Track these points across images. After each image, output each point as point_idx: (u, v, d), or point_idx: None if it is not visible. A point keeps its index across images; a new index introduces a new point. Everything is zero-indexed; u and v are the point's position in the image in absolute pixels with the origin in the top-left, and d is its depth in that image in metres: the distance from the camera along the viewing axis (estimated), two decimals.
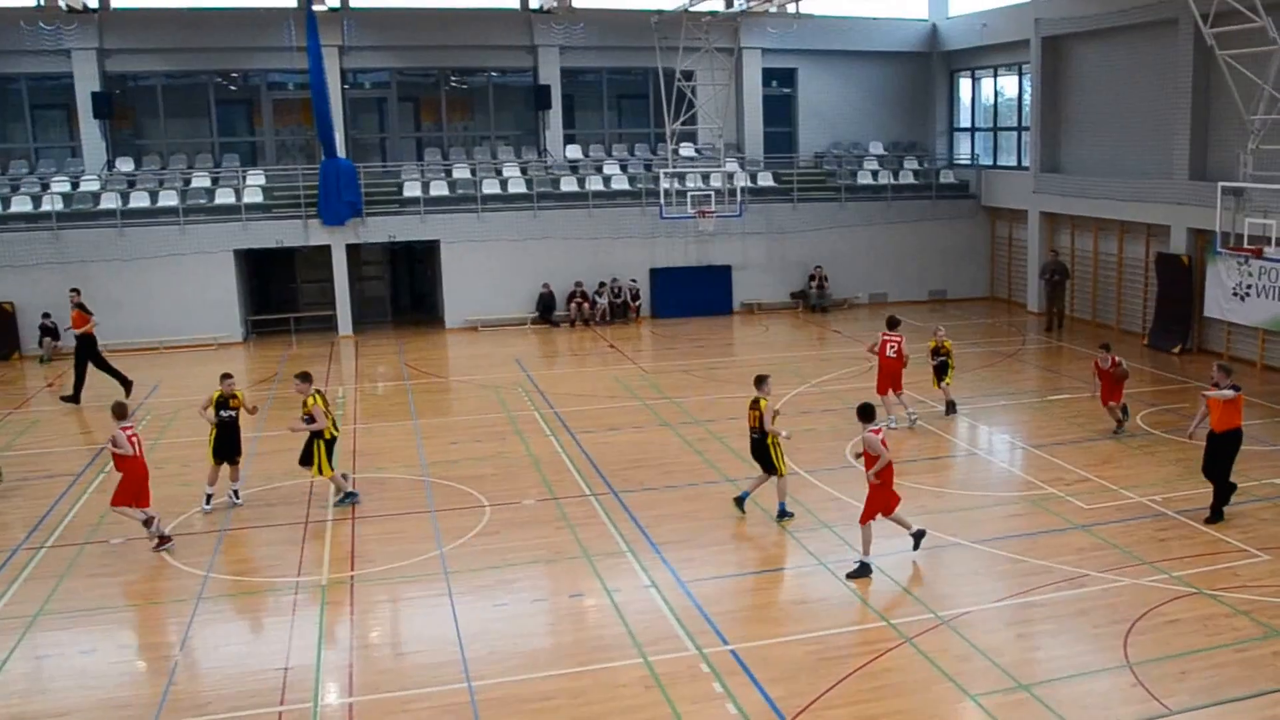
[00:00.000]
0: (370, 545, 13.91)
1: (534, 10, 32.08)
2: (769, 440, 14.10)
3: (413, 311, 32.78)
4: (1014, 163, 32.61)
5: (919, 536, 12.99)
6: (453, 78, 33.13)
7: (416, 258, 33.07)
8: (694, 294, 30.90)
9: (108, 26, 29.62)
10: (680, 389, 22.16)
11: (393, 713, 9.84)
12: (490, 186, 30.44)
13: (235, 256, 28.56)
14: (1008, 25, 30.79)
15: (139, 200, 28.64)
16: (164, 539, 13.92)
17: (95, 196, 28.58)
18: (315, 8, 27.96)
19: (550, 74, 32.09)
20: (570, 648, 11.07)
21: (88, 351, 22.50)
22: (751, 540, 13.95)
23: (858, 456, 13.26)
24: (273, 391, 23.32)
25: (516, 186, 30.63)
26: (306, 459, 15.31)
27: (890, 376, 18.65)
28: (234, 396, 15.35)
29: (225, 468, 15.49)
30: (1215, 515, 13.92)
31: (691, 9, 28.88)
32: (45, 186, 28.90)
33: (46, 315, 27.10)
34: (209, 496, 15.35)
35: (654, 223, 30.15)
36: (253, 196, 29.14)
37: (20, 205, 28.18)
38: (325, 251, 29.17)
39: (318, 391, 15.33)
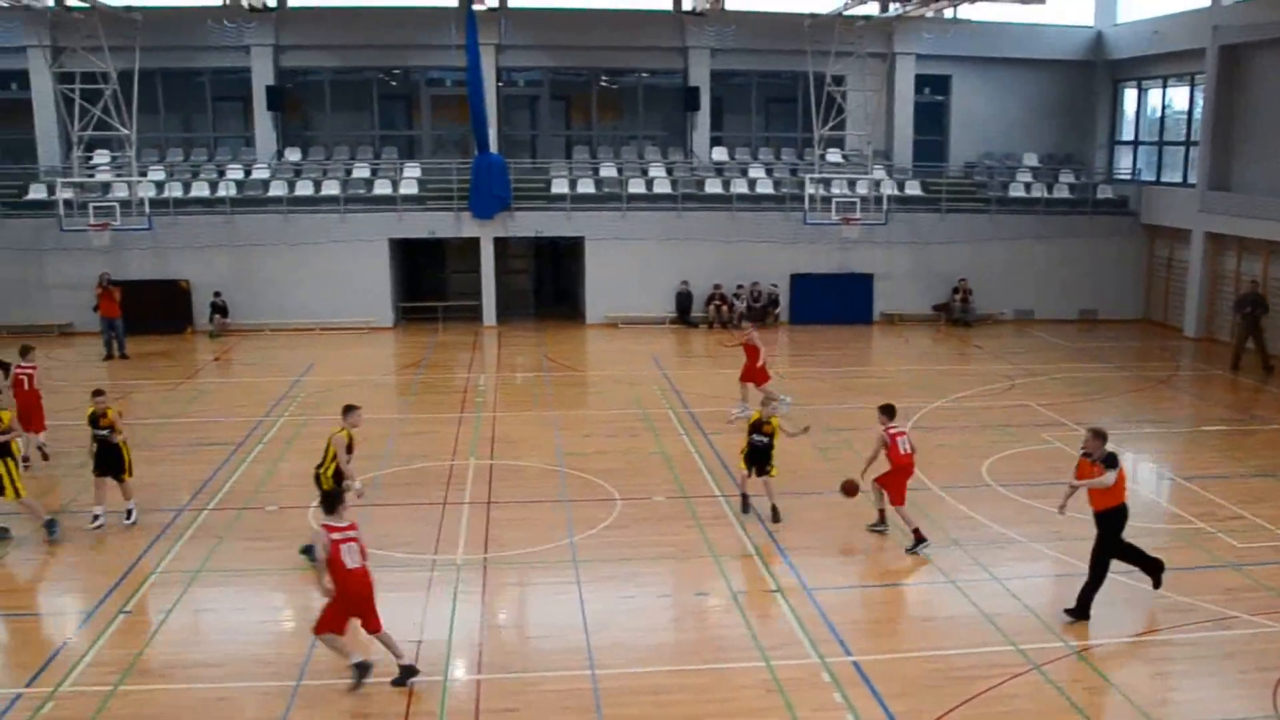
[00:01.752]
0: (504, 530, 14.36)
1: (686, 12, 32.35)
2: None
3: (554, 306, 33.45)
4: (1179, 179, 31.39)
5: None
6: (603, 78, 33.66)
7: (561, 253, 33.71)
8: (834, 301, 30.74)
9: (283, 24, 31.11)
10: (815, 396, 22.14)
11: (518, 693, 10.19)
12: (636, 186, 30.86)
13: (390, 245, 29.68)
14: (1182, 33, 29.51)
15: (304, 188, 30.04)
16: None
17: (265, 184, 30.12)
18: (475, 7, 28.83)
19: (700, 76, 32.32)
20: (693, 645, 11.29)
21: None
22: (880, 552, 13.90)
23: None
24: (419, 375, 24.20)
25: (662, 187, 30.99)
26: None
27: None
28: (104, 415, 14.44)
29: (115, 484, 14.68)
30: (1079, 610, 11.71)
31: (846, 13, 28.75)
32: (221, 173, 30.62)
33: (217, 294, 28.75)
34: (95, 515, 14.42)
35: (796, 228, 30.08)
36: (409, 188, 30.23)
37: (199, 190, 29.94)
38: (474, 243, 30.07)
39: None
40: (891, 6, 29.60)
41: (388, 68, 32.87)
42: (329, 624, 10.28)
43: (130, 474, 14.71)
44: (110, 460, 14.53)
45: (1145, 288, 32.12)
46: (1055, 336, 29.08)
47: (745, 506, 15.06)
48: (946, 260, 31.20)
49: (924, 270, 31.24)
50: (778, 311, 30.62)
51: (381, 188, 30.33)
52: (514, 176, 30.03)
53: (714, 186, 31.26)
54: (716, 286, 30.31)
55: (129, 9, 27.12)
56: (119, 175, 29.07)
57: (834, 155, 32.20)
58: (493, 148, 29.90)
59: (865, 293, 31.11)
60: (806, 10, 29.92)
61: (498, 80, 31.68)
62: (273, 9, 30.91)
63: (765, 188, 31.46)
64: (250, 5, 29.38)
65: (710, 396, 21.96)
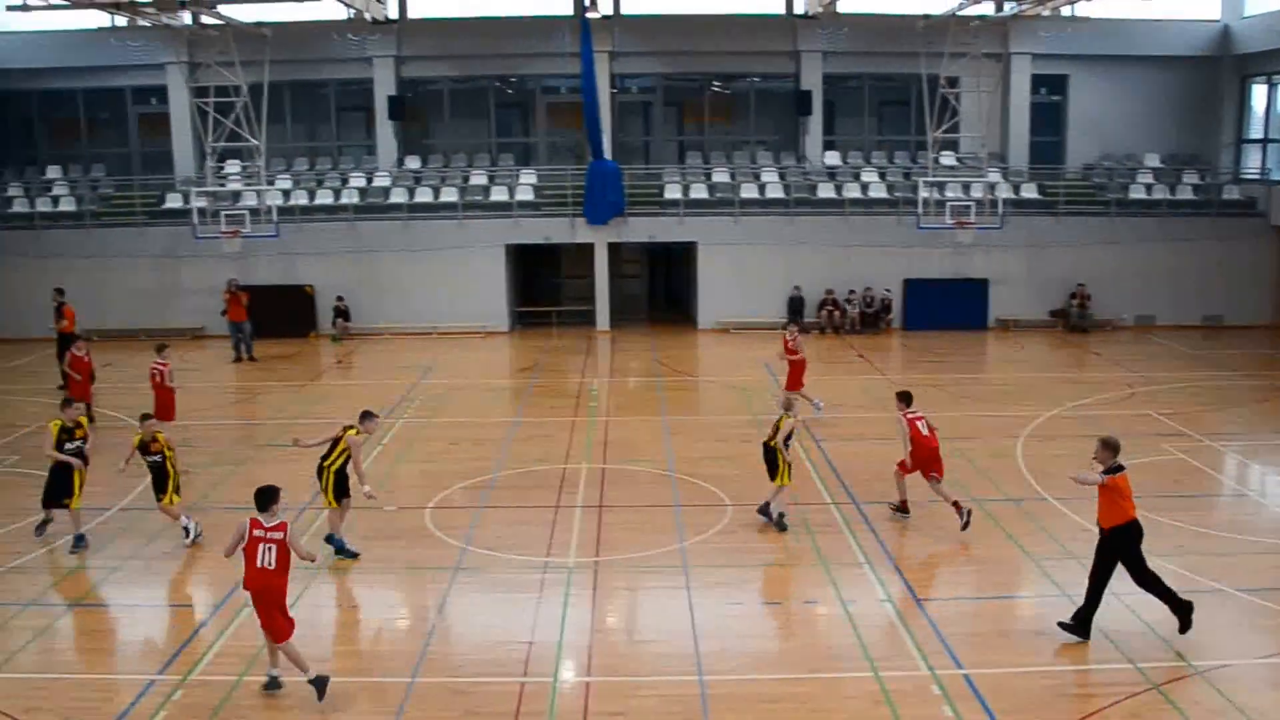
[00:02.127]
0: (615, 534, 14.57)
1: (798, 16, 32.26)
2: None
3: (667, 311, 33.68)
4: None
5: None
6: (715, 83, 33.77)
7: (673, 258, 33.93)
8: (948, 307, 30.33)
9: (404, 36, 31.99)
10: (928, 404, 21.71)
11: (626, 696, 10.35)
12: (748, 191, 30.91)
13: (506, 250, 30.25)
14: None
15: (423, 196, 30.84)
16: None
17: (386, 191, 31.00)
18: (589, 15, 29.26)
19: (812, 79, 32.19)
20: (800, 653, 11.32)
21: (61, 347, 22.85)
22: (993, 563, 13.70)
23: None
24: (534, 379, 24.66)
25: (774, 192, 30.99)
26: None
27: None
28: (154, 440, 14.27)
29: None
30: (1078, 624, 11.39)
31: (960, 13, 28.34)
32: (345, 181, 31.61)
33: (340, 298, 29.68)
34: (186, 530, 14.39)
35: (910, 232, 29.70)
36: (524, 195, 30.78)
37: (323, 198, 30.99)
38: (588, 249, 30.50)
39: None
40: (1007, 6, 29.09)
41: (504, 76, 33.51)
42: (275, 634, 10.44)
43: (176, 496, 14.46)
44: (156, 482, 14.41)
45: (1275, 291, 30.96)
46: (1178, 342, 28.25)
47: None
48: (1063, 264, 30.48)
49: (1040, 275, 30.59)
50: (890, 318, 30.35)
51: (498, 194, 30.94)
52: (627, 182, 30.38)
53: (826, 191, 31.12)
54: (829, 292, 30.17)
55: (259, 25, 28.23)
56: (249, 184, 30.21)
57: (948, 158, 31.75)
58: (607, 154, 30.28)
59: (980, 298, 30.63)
60: (920, 11, 29.54)
61: (611, 87, 32.02)
62: (394, 21, 31.80)
63: (878, 192, 31.22)
64: (373, 18, 30.25)
65: (825, 403, 21.86)
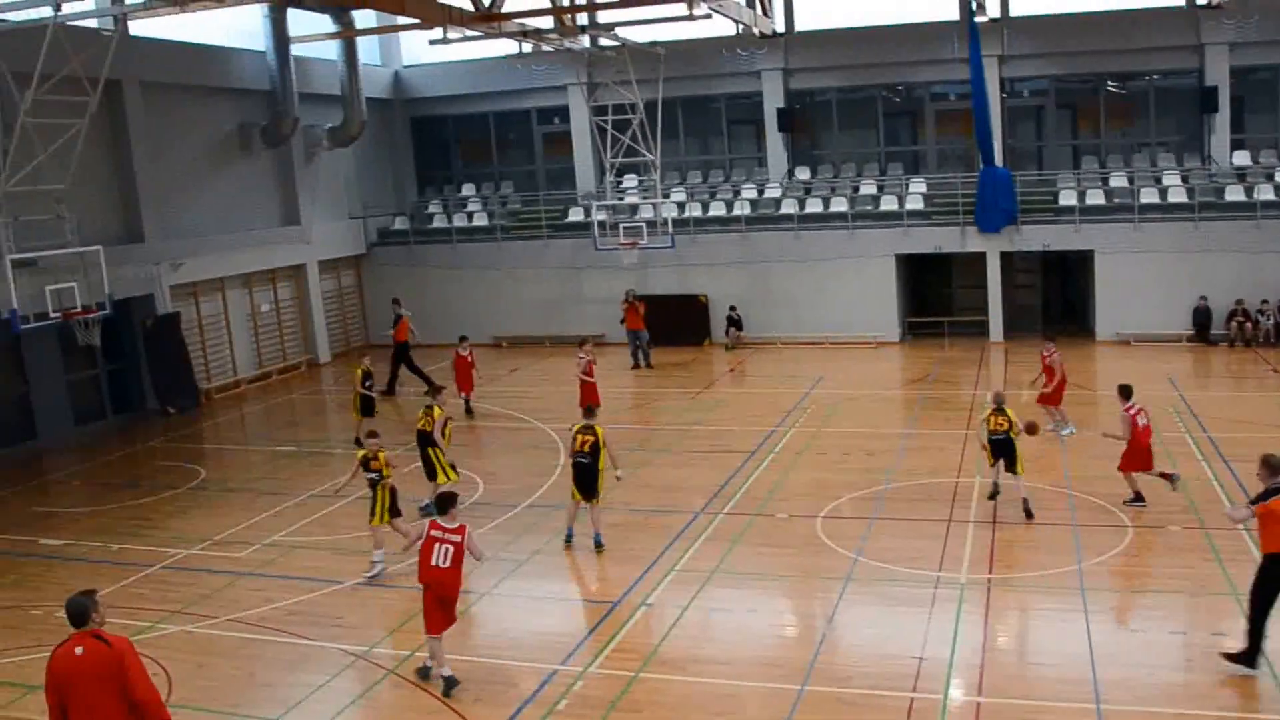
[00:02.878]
0: (1010, 551, 14.33)
1: (1201, 6, 29.62)
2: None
3: (1062, 322, 32.24)
4: None
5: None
6: (1111, 83, 31.92)
7: (1069, 267, 32.49)
8: None
9: (792, 48, 32.68)
10: None
11: (1018, 719, 10.19)
12: (1148, 195, 29.01)
13: (896, 260, 30.18)
14: None
15: (813, 206, 31.38)
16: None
17: (777, 203, 31.84)
18: (978, 19, 28.64)
19: (1218, 74, 29.55)
20: (1205, 688, 10.67)
21: (401, 355, 26.51)
22: None
23: None
24: (925, 390, 24.52)
25: (1176, 195, 28.87)
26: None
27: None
28: (374, 458, 14.50)
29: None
30: (1246, 657, 10.69)
31: None
32: (736, 193, 32.77)
33: (733, 308, 30.85)
34: (373, 561, 14.68)
35: None
36: (914, 204, 30.58)
37: (716, 210, 32.31)
38: (980, 258, 29.81)
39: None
40: None
41: (892, 85, 33.41)
42: (429, 623, 11.24)
43: (387, 518, 14.63)
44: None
45: None
46: None
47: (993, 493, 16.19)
48: None
49: None
50: None
51: (888, 204, 30.96)
52: (1020, 189, 29.44)
53: (1235, 194, 28.54)
54: (1238, 302, 27.67)
55: (654, 45, 29.90)
56: (645, 198, 32.16)
57: None
58: (998, 160, 29.51)
59: None
60: None
61: (1001, 91, 31.14)
62: (781, 35, 32.56)
63: None
64: (761, 33, 31.16)
65: (1233, 421, 20.33)
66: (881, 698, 10.68)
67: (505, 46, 32.75)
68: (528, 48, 30.88)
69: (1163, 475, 15.83)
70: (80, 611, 7.83)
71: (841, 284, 30.21)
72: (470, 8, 23.26)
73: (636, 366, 28.62)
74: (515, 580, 14.49)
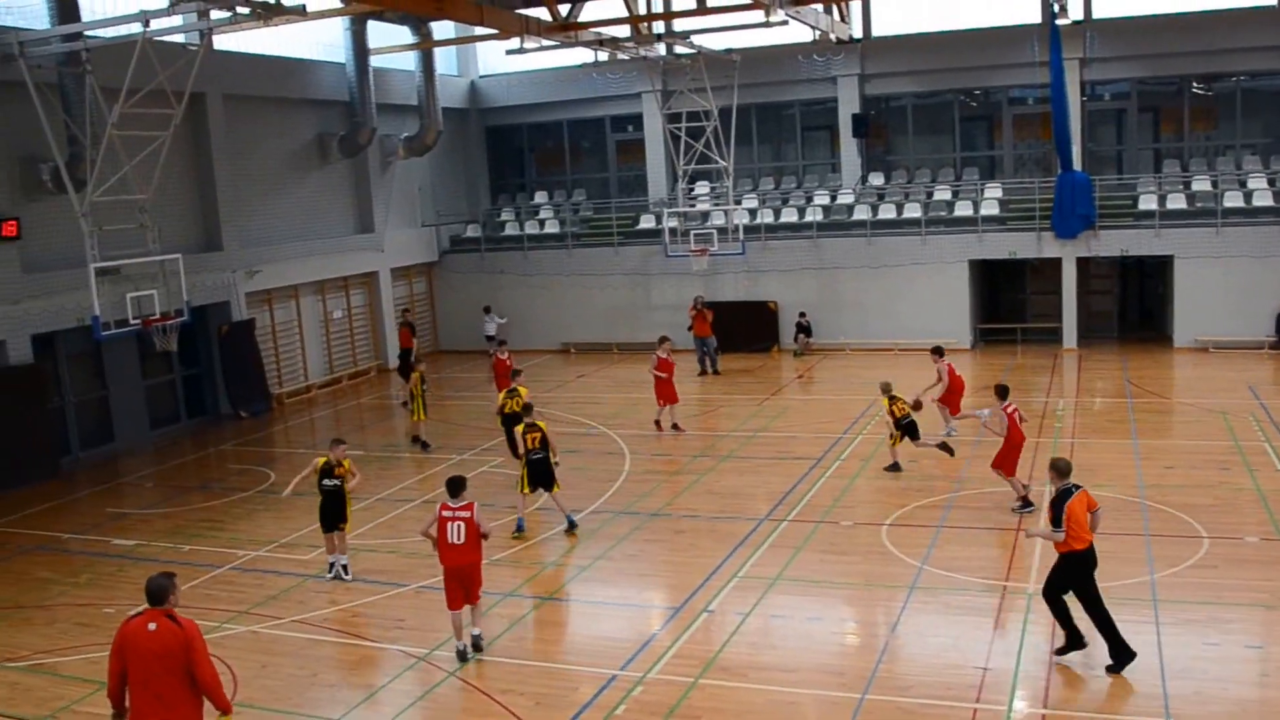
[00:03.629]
0: None
1: None
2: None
3: (1139, 328, 31.58)
4: None
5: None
6: (1195, 85, 31.13)
7: (1147, 273, 31.78)
8: None
9: (868, 54, 32.44)
10: None
11: None
12: (1232, 200, 28.24)
13: (969, 266, 29.76)
14: None
15: (886, 212, 31.11)
16: None
17: (849, 209, 31.60)
18: (1059, 22, 28.14)
19: None
20: None
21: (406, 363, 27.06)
22: None
23: None
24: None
25: (1262, 200, 28.05)
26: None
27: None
28: (339, 465, 14.73)
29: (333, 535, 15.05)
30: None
31: None
32: (809, 199, 32.59)
33: (803, 314, 30.64)
34: (330, 565, 15.07)
35: None
36: (989, 209, 30.15)
37: (788, 216, 32.17)
38: (1055, 264, 29.27)
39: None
40: None
41: (968, 89, 32.98)
42: (450, 599, 12.01)
43: (349, 526, 15.09)
44: (333, 511, 14.80)
45: None
46: None
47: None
48: None
49: None
50: None
51: (962, 209, 30.56)
52: (1099, 193, 28.87)
53: None
54: None
55: (729, 52, 29.87)
56: (717, 204, 32.12)
57: None
58: (1076, 165, 28.95)
59: None
60: None
61: (1081, 95, 30.57)
62: (858, 40, 32.33)
63: None
64: (837, 38, 31.00)
65: None
66: (944, 708, 10.52)
67: (580, 55, 33.08)
68: (603, 56, 31.20)
69: (1016, 486, 16.36)
70: (160, 590, 8.42)
71: (913, 290, 29.88)
72: (547, 18, 23.46)
73: (704, 373, 28.58)
74: (578, 585, 14.54)
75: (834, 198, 32.45)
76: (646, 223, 33.68)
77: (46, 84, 20.59)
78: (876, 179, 33.09)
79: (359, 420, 26.63)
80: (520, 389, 19.27)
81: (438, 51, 32.38)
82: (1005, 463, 16.27)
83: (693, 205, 32.62)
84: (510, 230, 35.50)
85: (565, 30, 24.05)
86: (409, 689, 11.76)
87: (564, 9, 23.92)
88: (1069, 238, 28.58)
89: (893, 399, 18.16)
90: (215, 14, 19.48)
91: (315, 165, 30.49)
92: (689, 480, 18.82)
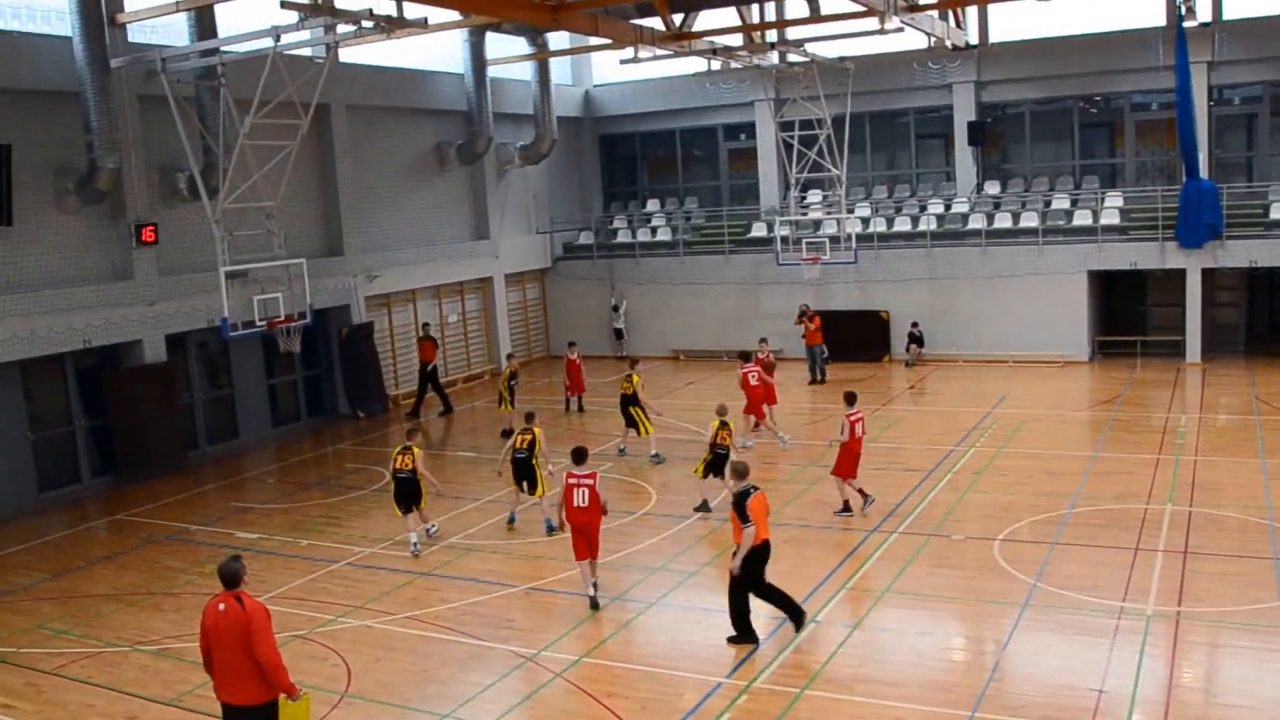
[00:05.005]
0: (1202, 583, 13.59)
1: None
2: None
3: (1269, 342, 30.43)
4: None
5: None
6: None
7: (1277, 285, 30.62)
8: None
9: (985, 60, 31.91)
10: None
11: None
12: None
13: (1088, 277, 29.05)
14: None
15: (1002, 221, 30.55)
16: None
17: (964, 217, 31.12)
18: (1186, 24, 27.30)
19: None
20: None
21: (429, 377, 27.63)
22: None
23: None
24: (1115, 412, 23.56)
25: None
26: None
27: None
28: (408, 453, 16.37)
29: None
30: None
31: None
32: (923, 208, 32.19)
33: (915, 324, 30.26)
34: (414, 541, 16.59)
35: None
36: (1110, 218, 29.37)
37: (901, 225, 31.83)
38: (1178, 275, 28.37)
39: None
40: None
41: (1089, 95, 32.19)
42: (576, 552, 13.70)
43: (425, 504, 16.80)
44: (409, 494, 16.48)
45: None
46: None
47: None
48: None
49: None
50: None
51: (1081, 218, 29.83)
52: (1226, 202, 27.88)
53: None
54: None
55: (842, 60, 29.70)
56: (829, 213, 31.93)
57: None
58: (1203, 173, 28.03)
59: None
60: None
61: (1209, 99, 29.63)
62: (975, 47, 31.83)
63: None
64: (953, 45, 30.57)
65: None
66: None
67: (693, 64, 33.20)
68: (716, 65, 31.26)
69: (861, 492, 16.99)
70: (232, 574, 9.04)
71: (1029, 301, 29.26)
72: (661, 27, 23.65)
73: (814, 381, 28.42)
74: (685, 591, 14.59)
75: (948, 206, 31.99)
76: (758, 231, 33.64)
77: (185, 97, 21.63)
78: (992, 188, 32.53)
79: (471, 423, 27.10)
80: (635, 375, 21.73)
81: (553, 61, 32.85)
82: (843, 468, 16.85)
83: (805, 213, 32.48)
84: (623, 238, 35.82)
85: (679, 40, 24.20)
86: (516, 688, 11.97)
87: (678, 19, 24.06)
88: (1194, 248, 27.69)
89: (724, 424, 17.76)
90: (341, 28, 20.15)
91: (433, 173, 31.19)
92: (798, 489, 18.74)
